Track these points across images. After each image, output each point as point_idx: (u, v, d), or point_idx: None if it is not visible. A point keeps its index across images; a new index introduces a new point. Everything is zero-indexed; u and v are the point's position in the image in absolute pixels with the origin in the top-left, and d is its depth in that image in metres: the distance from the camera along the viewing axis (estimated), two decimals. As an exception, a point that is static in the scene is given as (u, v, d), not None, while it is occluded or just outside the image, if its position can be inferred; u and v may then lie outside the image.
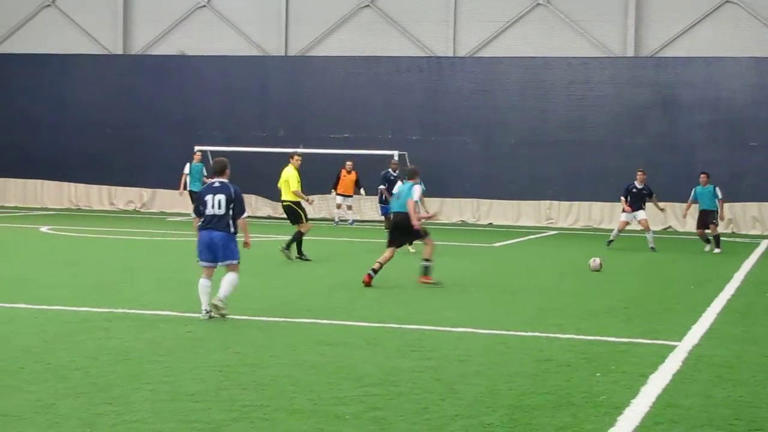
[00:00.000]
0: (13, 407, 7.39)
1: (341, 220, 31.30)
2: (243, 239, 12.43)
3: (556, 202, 32.41)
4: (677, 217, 31.05)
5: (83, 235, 24.57)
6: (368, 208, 32.47)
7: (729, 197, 30.68)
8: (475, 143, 33.11)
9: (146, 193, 35.66)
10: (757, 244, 26.22)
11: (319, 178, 31.93)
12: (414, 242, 19.09)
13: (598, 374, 9.04)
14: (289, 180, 19.30)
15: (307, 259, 18.93)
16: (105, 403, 7.59)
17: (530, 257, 21.95)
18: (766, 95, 31.11)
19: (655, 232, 30.34)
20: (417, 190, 15.76)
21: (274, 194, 25.78)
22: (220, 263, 11.95)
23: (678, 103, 31.77)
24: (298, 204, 19.32)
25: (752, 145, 31.14)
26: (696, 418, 7.55)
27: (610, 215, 30.63)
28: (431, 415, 7.45)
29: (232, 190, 11.98)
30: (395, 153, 30.71)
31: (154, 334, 10.68)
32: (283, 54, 35.32)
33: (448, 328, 11.47)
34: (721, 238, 24.39)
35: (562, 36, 33.04)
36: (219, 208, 11.89)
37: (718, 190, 23.85)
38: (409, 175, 16.26)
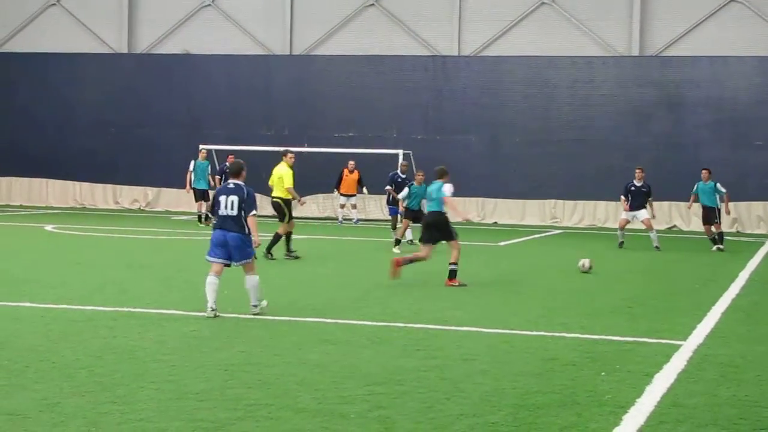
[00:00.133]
0: (18, 406, 7.40)
1: (345, 219, 31.31)
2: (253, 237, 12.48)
3: (560, 201, 32.40)
4: (682, 216, 31.05)
5: (88, 234, 24.60)
6: (373, 207, 32.48)
7: (734, 196, 30.63)
8: (480, 142, 33.10)
9: (151, 191, 35.69)
10: (762, 243, 26.19)
11: (323, 177, 32.00)
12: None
13: (603, 373, 9.03)
14: (284, 177, 19.06)
15: (272, 258, 18.70)
16: (110, 401, 7.60)
17: (535, 256, 21.93)
18: (771, 94, 31.10)
19: (659, 231, 30.35)
20: (449, 187, 16.04)
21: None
22: (236, 263, 12.09)
23: (682, 102, 31.74)
24: (288, 202, 19.12)
25: (757, 144, 31.11)
26: (701, 417, 7.55)
27: (615, 214, 30.55)
28: (436, 414, 7.45)
29: (245, 191, 12.14)
30: (400, 152, 30.73)
31: (159, 333, 10.69)
32: (288, 53, 35.33)
33: (453, 327, 11.47)
34: (727, 237, 24.39)
35: (566, 35, 33.01)
36: (232, 209, 12.02)
37: (719, 186, 23.86)
38: (439, 175, 16.42)
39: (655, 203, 30.93)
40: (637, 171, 24.18)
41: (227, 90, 35.26)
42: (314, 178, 32.51)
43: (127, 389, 8.00)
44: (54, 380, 8.27)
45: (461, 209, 16.96)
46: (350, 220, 31.32)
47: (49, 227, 26.19)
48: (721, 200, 23.92)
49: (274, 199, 19.42)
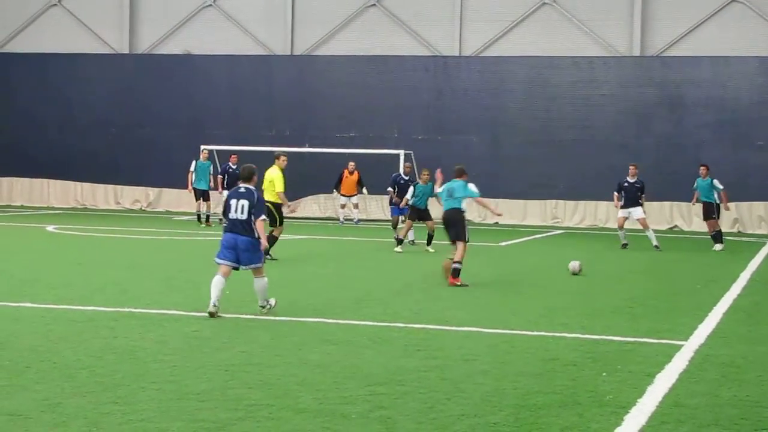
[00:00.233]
0: (19, 406, 7.40)
1: (346, 220, 31.32)
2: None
3: (562, 202, 32.40)
4: (683, 216, 31.05)
5: (89, 235, 24.61)
6: (374, 207, 32.49)
7: (735, 197, 30.70)
8: (481, 142, 33.10)
9: (152, 192, 35.70)
10: (764, 244, 26.18)
11: (325, 177, 32.00)
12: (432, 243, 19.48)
13: (604, 374, 9.03)
14: (275, 181, 18.78)
15: (273, 259, 18.61)
16: (111, 402, 7.60)
17: (536, 256, 21.93)
18: (773, 94, 31.09)
19: (660, 231, 30.34)
20: (474, 186, 16.29)
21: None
22: (244, 267, 12.14)
23: (684, 103, 31.74)
24: (278, 207, 18.88)
25: (758, 144, 31.10)
26: (702, 417, 7.54)
27: (616, 215, 30.51)
28: (437, 415, 7.44)
29: (256, 196, 12.23)
30: (401, 153, 30.75)
31: (160, 334, 10.68)
32: (289, 53, 35.34)
33: (453, 328, 11.47)
34: (728, 238, 24.42)
35: (567, 35, 33.02)
36: (242, 213, 12.10)
37: (716, 182, 23.96)
38: (459, 173, 16.61)
39: (655, 204, 31.07)
40: (631, 167, 24.27)
41: (228, 90, 35.27)
42: (315, 178, 32.54)
43: (128, 389, 8.00)
44: (55, 380, 8.27)
45: (492, 205, 17.35)
46: (351, 220, 31.33)
47: (50, 227, 26.19)
48: (719, 197, 23.98)
49: (267, 204, 19.27)
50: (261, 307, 12.15)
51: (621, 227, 24.02)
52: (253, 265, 12.09)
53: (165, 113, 35.54)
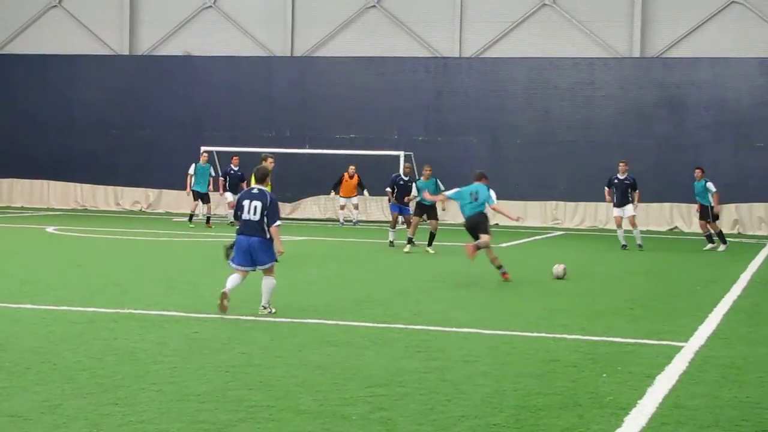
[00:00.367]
0: (19, 408, 7.40)
1: (346, 221, 31.33)
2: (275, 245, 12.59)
3: (562, 203, 32.41)
4: (683, 217, 31.05)
5: (89, 236, 24.61)
6: (374, 208, 32.49)
7: (735, 198, 30.76)
8: (481, 144, 33.11)
9: (152, 193, 35.71)
10: (764, 245, 26.17)
11: (324, 178, 32.00)
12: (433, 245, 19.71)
13: (604, 375, 9.03)
14: None
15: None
16: (111, 403, 7.60)
17: (536, 258, 21.92)
18: (773, 96, 31.09)
19: (660, 233, 30.33)
20: (494, 193, 16.85)
21: (281, 195, 25.80)
22: (260, 267, 12.22)
23: (684, 104, 31.74)
24: None
25: (758, 146, 31.10)
26: (702, 419, 7.54)
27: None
28: (437, 416, 7.44)
29: (269, 198, 12.27)
30: (401, 154, 30.75)
31: (161, 335, 10.68)
32: (289, 55, 35.35)
33: (454, 329, 11.46)
34: (728, 239, 24.44)
35: (567, 36, 33.02)
36: (254, 214, 12.16)
37: (709, 185, 24.05)
38: (479, 177, 17.09)
39: (655, 205, 31.10)
40: (621, 164, 24.43)
41: (228, 92, 35.27)
42: (315, 179, 32.55)
43: (128, 391, 8.00)
44: (55, 382, 8.27)
45: (510, 212, 17.76)
46: (350, 221, 31.35)
47: (50, 229, 26.19)
48: (712, 199, 24.12)
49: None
50: (263, 307, 12.18)
51: (619, 226, 24.08)
52: (269, 264, 12.20)
53: (165, 114, 35.55)
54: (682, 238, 28.91)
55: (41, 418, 7.15)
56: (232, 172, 28.58)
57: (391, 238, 23.06)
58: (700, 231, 25.11)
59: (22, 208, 35.80)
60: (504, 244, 24.79)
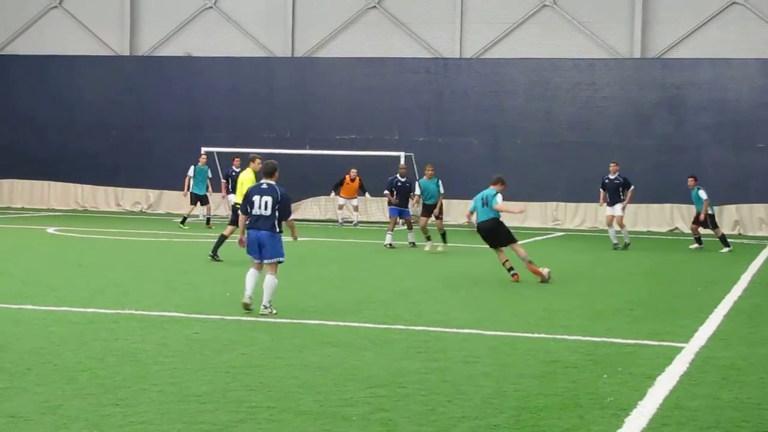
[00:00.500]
0: (20, 408, 7.40)
1: (345, 221, 31.32)
2: (291, 236, 12.89)
3: (562, 204, 32.40)
4: (683, 218, 31.03)
5: (90, 237, 24.61)
6: (375, 209, 32.49)
7: (735, 199, 30.77)
8: (482, 144, 33.10)
9: (153, 194, 35.70)
10: (764, 246, 26.17)
11: (325, 179, 32.01)
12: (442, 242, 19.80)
13: (604, 376, 9.03)
14: (244, 183, 18.89)
15: (219, 260, 18.58)
16: (112, 404, 7.60)
17: (537, 258, 21.88)
18: (773, 96, 31.08)
19: (661, 233, 30.35)
20: (500, 197, 16.96)
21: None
22: (266, 261, 12.35)
23: (685, 105, 31.73)
24: None
25: (759, 147, 31.09)
26: (703, 419, 7.54)
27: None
28: (438, 417, 7.44)
29: (279, 192, 12.40)
30: (402, 154, 30.74)
31: (161, 336, 10.68)
32: (290, 55, 35.35)
33: (454, 330, 11.46)
34: (729, 240, 24.51)
35: (568, 37, 33.01)
36: (265, 209, 12.33)
37: (701, 193, 24.39)
38: (494, 181, 17.28)
39: (655, 206, 31.13)
40: (612, 165, 24.69)
41: (229, 92, 35.27)
42: (316, 180, 32.54)
43: (128, 392, 8.00)
44: (56, 383, 8.27)
45: (512, 207, 17.83)
46: (350, 222, 31.35)
47: (50, 229, 26.19)
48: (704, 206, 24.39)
49: (236, 205, 19.26)
50: (263, 306, 12.19)
51: (610, 224, 24.36)
52: (274, 259, 12.31)
53: (165, 115, 35.55)
54: (682, 238, 28.89)
55: (42, 418, 7.15)
56: (234, 173, 28.56)
57: (389, 241, 23.03)
58: (705, 233, 25.23)
59: (23, 208, 35.79)
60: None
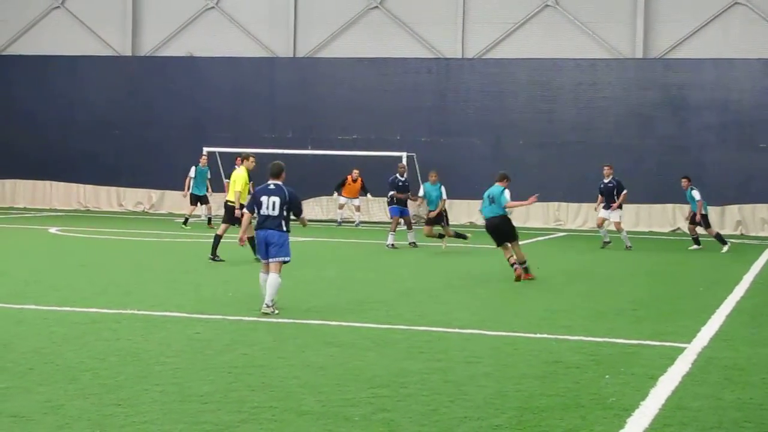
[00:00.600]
0: (22, 408, 7.41)
1: (344, 221, 31.30)
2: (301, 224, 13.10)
3: (564, 204, 32.38)
4: (686, 219, 31.02)
5: (92, 237, 24.62)
6: (377, 209, 32.49)
7: (738, 199, 30.76)
8: (484, 145, 33.09)
9: (155, 194, 35.71)
10: (767, 246, 26.14)
11: (327, 179, 32.00)
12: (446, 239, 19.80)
13: (607, 376, 9.02)
14: (237, 180, 18.99)
15: (220, 260, 18.57)
16: (114, 404, 7.60)
17: (538, 259, 21.90)
18: (776, 97, 31.05)
19: (663, 234, 30.34)
20: (508, 193, 16.99)
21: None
22: (271, 260, 12.38)
23: (687, 105, 31.71)
24: (242, 206, 18.89)
25: (761, 147, 31.06)
26: (705, 420, 7.53)
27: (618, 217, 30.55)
28: (440, 417, 7.44)
29: (287, 193, 12.52)
30: (404, 155, 30.74)
31: (163, 336, 10.69)
32: (292, 56, 35.35)
33: (456, 330, 11.46)
34: (731, 240, 24.58)
35: (570, 37, 33.00)
36: (273, 209, 12.42)
37: (694, 193, 24.61)
38: (501, 178, 17.30)
39: (658, 206, 31.12)
40: (605, 168, 24.90)
41: (231, 92, 35.28)
42: (317, 180, 32.52)
43: (131, 391, 8.01)
44: (58, 382, 8.27)
45: (522, 200, 17.96)
46: (352, 222, 31.35)
47: (52, 230, 26.21)
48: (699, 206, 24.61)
49: (228, 202, 19.28)
50: (266, 305, 12.21)
51: (599, 226, 24.67)
52: (278, 258, 12.36)
53: (167, 115, 35.56)
54: (684, 239, 28.85)
55: (44, 418, 7.16)
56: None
57: (391, 241, 23.01)
58: (701, 233, 25.23)
59: (25, 209, 35.81)
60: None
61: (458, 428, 7.17)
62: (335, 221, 31.69)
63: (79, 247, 22.21)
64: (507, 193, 17.00)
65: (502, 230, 17.04)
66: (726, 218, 30.72)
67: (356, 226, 30.85)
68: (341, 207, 31.44)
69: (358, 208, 31.40)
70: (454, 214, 29.96)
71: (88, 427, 6.97)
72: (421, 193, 23.19)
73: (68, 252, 21.01)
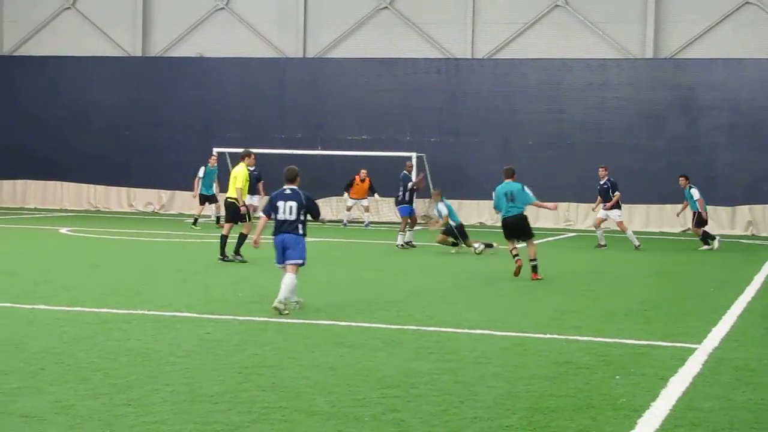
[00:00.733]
0: (33, 408, 7.42)
1: (351, 222, 31.28)
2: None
3: (574, 204, 32.32)
4: (692, 222, 30.96)
5: (102, 237, 24.68)
6: (386, 210, 32.48)
7: (748, 199, 30.68)
8: (493, 145, 33.05)
9: (165, 194, 35.78)
10: (777, 247, 26.08)
11: (336, 179, 32.01)
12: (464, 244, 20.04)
13: (617, 377, 9.00)
14: (237, 177, 18.98)
15: (230, 260, 18.59)
16: (124, 404, 7.62)
17: (548, 259, 21.88)
18: (786, 97, 30.96)
19: (673, 234, 30.27)
20: (530, 190, 17.17)
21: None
22: (287, 262, 12.51)
23: (697, 105, 31.63)
24: (243, 203, 18.96)
25: (772, 147, 30.98)
26: (716, 421, 7.51)
27: (629, 218, 30.49)
28: (450, 417, 7.44)
29: (303, 197, 12.67)
30: (413, 155, 30.72)
31: (174, 336, 10.70)
32: (302, 56, 35.38)
33: (466, 330, 11.45)
34: (742, 241, 24.51)
35: (580, 37, 32.96)
36: (290, 214, 12.58)
37: (693, 191, 24.72)
38: (510, 174, 17.52)
39: (668, 206, 31.04)
40: (600, 169, 25.11)
41: (240, 93, 35.33)
42: (327, 180, 32.54)
43: (141, 392, 8.02)
44: (68, 382, 8.29)
45: (547, 203, 18.01)
46: (361, 222, 31.36)
47: (63, 230, 26.27)
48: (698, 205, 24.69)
49: (228, 200, 19.26)
50: (279, 301, 12.22)
51: (596, 226, 24.87)
52: (293, 261, 12.49)
53: (177, 116, 35.62)
54: (695, 239, 28.79)
55: (55, 418, 7.17)
56: (254, 173, 28.54)
57: (400, 242, 23.03)
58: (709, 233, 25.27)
59: (36, 209, 35.91)
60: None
61: (468, 429, 7.16)
62: (341, 221, 31.69)
63: (89, 248, 22.26)
64: (528, 190, 17.04)
65: (521, 229, 17.12)
66: (737, 219, 30.64)
67: (366, 226, 30.85)
68: (349, 209, 31.43)
69: (367, 209, 31.39)
70: (463, 215, 29.91)
71: (98, 427, 6.99)
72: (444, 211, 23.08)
73: (79, 252, 21.06)
